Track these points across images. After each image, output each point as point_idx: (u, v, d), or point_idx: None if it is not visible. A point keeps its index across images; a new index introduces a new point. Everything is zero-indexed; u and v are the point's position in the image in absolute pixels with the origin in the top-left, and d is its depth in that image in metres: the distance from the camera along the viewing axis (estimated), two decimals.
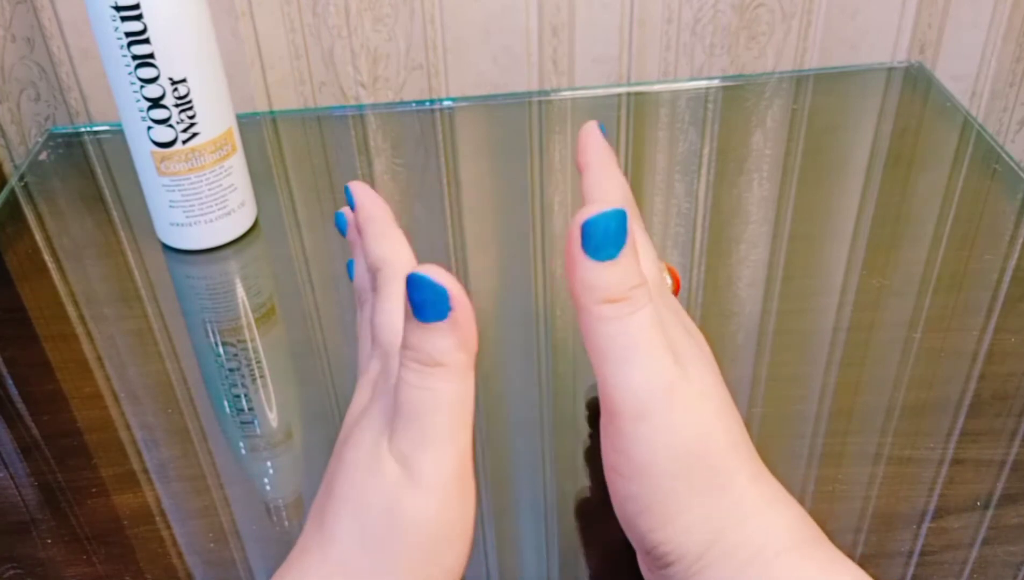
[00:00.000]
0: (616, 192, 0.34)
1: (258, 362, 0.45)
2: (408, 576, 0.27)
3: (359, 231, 0.36)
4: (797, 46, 0.68)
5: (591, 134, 0.36)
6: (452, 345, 0.27)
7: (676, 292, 0.34)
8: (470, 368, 0.28)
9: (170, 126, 0.47)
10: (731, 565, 0.26)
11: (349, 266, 0.38)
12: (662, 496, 0.27)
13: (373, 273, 0.34)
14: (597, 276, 0.27)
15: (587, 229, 0.27)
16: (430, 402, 0.27)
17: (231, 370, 0.44)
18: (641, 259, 0.29)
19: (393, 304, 0.32)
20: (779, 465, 0.37)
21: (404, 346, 0.27)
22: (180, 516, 0.37)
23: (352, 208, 0.37)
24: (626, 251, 0.27)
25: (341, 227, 0.39)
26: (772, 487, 0.28)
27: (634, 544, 0.29)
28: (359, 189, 0.36)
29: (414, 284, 0.26)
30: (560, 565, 0.34)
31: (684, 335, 0.30)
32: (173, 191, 0.49)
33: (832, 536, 0.34)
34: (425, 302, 0.26)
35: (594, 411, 0.40)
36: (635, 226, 0.32)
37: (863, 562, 0.34)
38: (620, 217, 0.27)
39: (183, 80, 0.46)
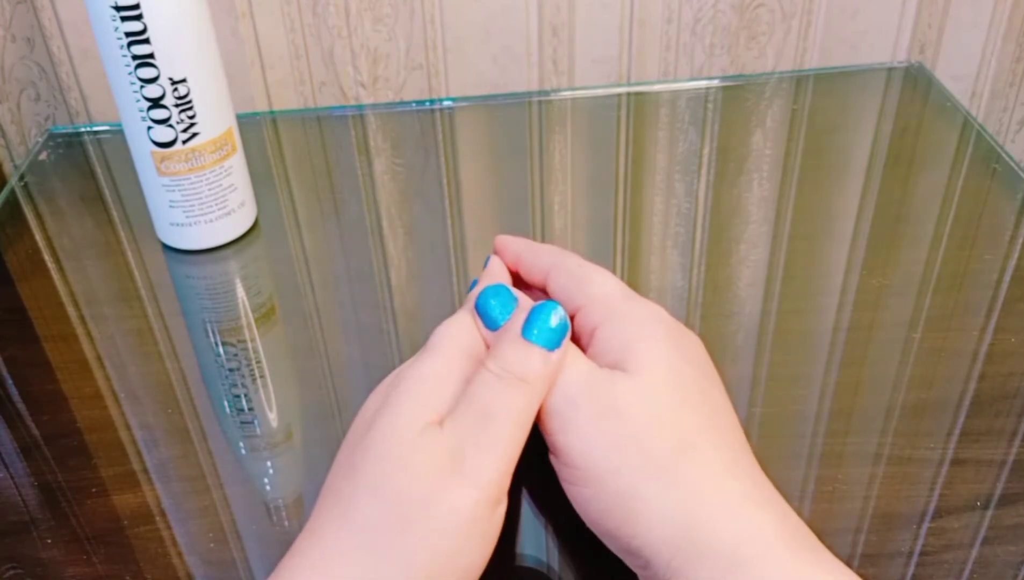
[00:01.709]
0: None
1: (258, 362, 0.45)
2: (424, 566, 0.26)
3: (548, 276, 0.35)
4: (797, 46, 0.68)
5: (509, 244, 0.37)
6: (545, 373, 0.29)
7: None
8: (541, 400, 0.29)
9: (170, 126, 0.47)
10: (708, 565, 0.26)
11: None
12: (612, 491, 0.28)
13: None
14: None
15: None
16: (505, 409, 0.28)
17: (231, 370, 0.44)
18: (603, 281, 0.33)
19: (463, 318, 0.32)
20: (779, 465, 0.38)
21: (497, 355, 0.29)
22: (180, 516, 0.37)
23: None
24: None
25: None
26: (753, 485, 0.28)
27: (614, 550, 0.29)
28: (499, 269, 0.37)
29: (550, 311, 0.29)
30: (560, 566, 0.34)
31: (646, 332, 0.31)
32: (173, 191, 0.49)
33: (832, 536, 0.34)
34: (549, 330, 0.29)
35: None
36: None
37: (863, 562, 0.34)
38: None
39: (183, 80, 0.46)
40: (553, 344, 0.29)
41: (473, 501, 0.27)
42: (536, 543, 0.35)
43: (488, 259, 0.37)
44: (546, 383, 0.29)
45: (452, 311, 0.34)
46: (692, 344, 0.33)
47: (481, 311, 0.32)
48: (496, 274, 0.36)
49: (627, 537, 0.28)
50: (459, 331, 0.32)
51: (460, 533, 0.27)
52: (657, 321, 0.32)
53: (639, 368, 0.30)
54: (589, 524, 0.29)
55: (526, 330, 0.29)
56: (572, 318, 0.33)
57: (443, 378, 0.30)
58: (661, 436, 0.28)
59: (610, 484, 0.28)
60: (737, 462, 0.29)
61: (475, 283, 0.37)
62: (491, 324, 0.31)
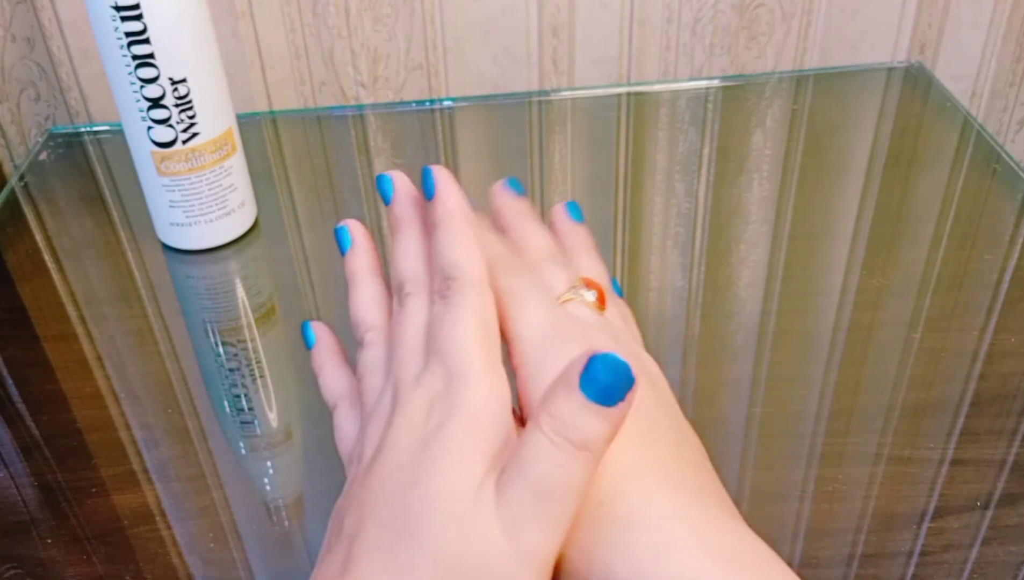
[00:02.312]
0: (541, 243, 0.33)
1: (258, 362, 0.45)
2: None
3: (434, 224, 0.32)
4: (797, 46, 0.68)
5: (501, 192, 0.35)
6: (608, 435, 0.25)
7: (603, 305, 0.32)
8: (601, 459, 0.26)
9: (170, 126, 0.47)
10: None
11: (341, 233, 0.35)
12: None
13: (443, 277, 0.31)
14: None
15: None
16: (566, 484, 0.25)
17: (231, 370, 0.44)
18: (551, 276, 0.30)
19: (468, 324, 0.29)
20: (779, 465, 0.38)
21: (552, 414, 0.25)
22: (180, 516, 0.37)
23: (428, 193, 0.33)
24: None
25: (385, 191, 0.35)
26: (678, 507, 0.26)
27: None
28: (443, 175, 0.33)
29: (608, 365, 0.25)
30: None
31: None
32: (173, 191, 0.49)
33: (832, 536, 0.34)
34: (610, 386, 0.25)
35: None
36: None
37: (863, 562, 0.34)
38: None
39: (183, 80, 0.46)
40: (616, 399, 0.25)
41: (531, 576, 0.25)
42: None
43: (430, 177, 0.33)
44: (608, 444, 0.26)
45: None
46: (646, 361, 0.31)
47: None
48: (457, 213, 0.32)
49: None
50: (478, 336, 0.29)
51: None
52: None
53: (530, 424, 0.27)
54: None
55: (585, 386, 0.25)
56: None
57: (493, 413, 0.27)
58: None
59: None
60: (659, 500, 0.27)
61: (383, 180, 0.35)
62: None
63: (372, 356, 0.32)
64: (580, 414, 0.25)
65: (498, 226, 0.34)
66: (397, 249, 0.34)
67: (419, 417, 0.28)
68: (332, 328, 0.36)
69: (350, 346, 0.34)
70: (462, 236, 0.31)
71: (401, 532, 0.25)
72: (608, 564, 0.25)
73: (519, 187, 0.36)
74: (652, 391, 0.30)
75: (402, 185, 0.34)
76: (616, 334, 0.32)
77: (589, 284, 0.32)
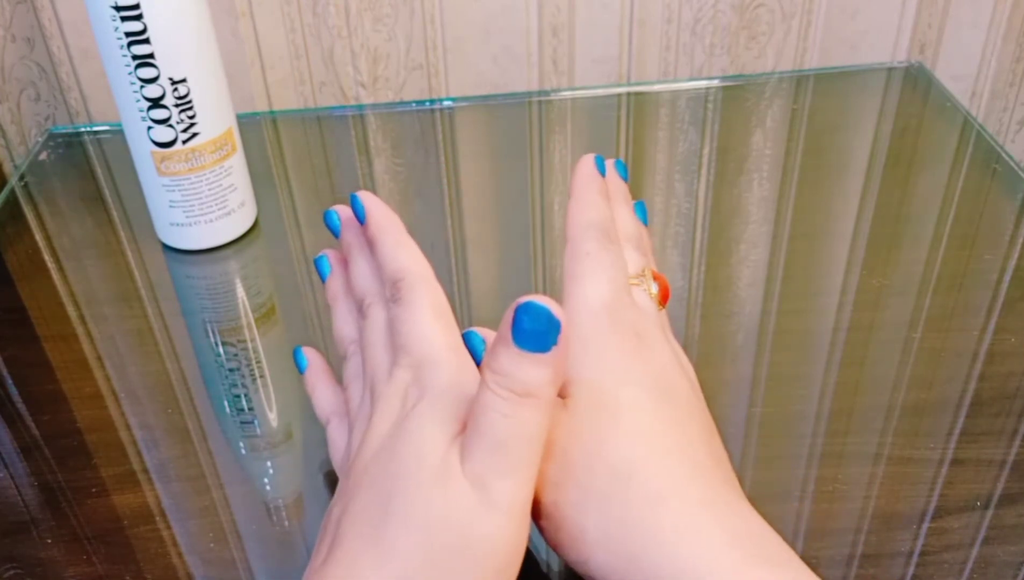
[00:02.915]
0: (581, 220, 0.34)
1: (258, 362, 0.45)
2: None
3: (371, 242, 0.36)
4: (797, 46, 0.68)
5: (584, 165, 0.36)
6: (548, 378, 0.27)
7: (664, 300, 0.34)
8: (554, 400, 0.28)
9: (170, 126, 0.47)
10: None
11: (320, 262, 0.38)
12: (560, 524, 0.28)
13: (392, 282, 0.33)
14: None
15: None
16: (517, 432, 0.27)
17: (231, 370, 0.44)
18: (627, 259, 0.30)
19: (423, 313, 0.32)
20: (779, 465, 0.38)
21: (493, 370, 0.27)
22: (180, 516, 0.37)
23: (360, 218, 0.36)
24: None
25: (333, 226, 0.38)
26: (703, 504, 0.27)
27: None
28: (368, 199, 0.36)
29: (529, 312, 0.26)
30: (559, 567, 0.34)
31: (618, 365, 0.30)
32: (173, 191, 0.49)
33: (832, 536, 0.34)
34: (536, 331, 0.26)
35: None
36: (600, 248, 0.32)
37: (863, 562, 0.34)
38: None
39: (183, 80, 0.46)
40: (547, 346, 0.26)
41: (509, 531, 0.27)
42: (535, 545, 0.35)
43: (357, 203, 0.36)
44: (554, 387, 0.27)
45: (452, 311, 0.34)
46: (645, 360, 0.32)
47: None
48: (388, 225, 0.35)
49: (579, 562, 0.28)
50: (437, 324, 0.31)
51: (501, 563, 0.27)
52: (604, 343, 0.31)
53: (568, 397, 0.29)
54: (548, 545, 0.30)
55: (522, 340, 0.26)
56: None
57: (461, 387, 0.29)
58: (593, 470, 0.28)
59: (554, 516, 0.28)
60: (686, 484, 0.28)
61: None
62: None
63: (353, 365, 0.35)
64: (517, 364, 0.26)
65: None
66: (351, 272, 0.37)
67: (395, 406, 0.30)
68: (323, 353, 0.38)
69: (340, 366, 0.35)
70: (399, 243, 0.35)
71: (380, 507, 0.27)
72: (632, 539, 0.27)
73: (624, 171, 0.39)
74: (690, 387, 0.31)
75: (346, 216, 0.38)
76: (666, 329, 0.33)
77: (657, 277, 0.34)
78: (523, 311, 0.26)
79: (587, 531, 0.28)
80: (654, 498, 0.27)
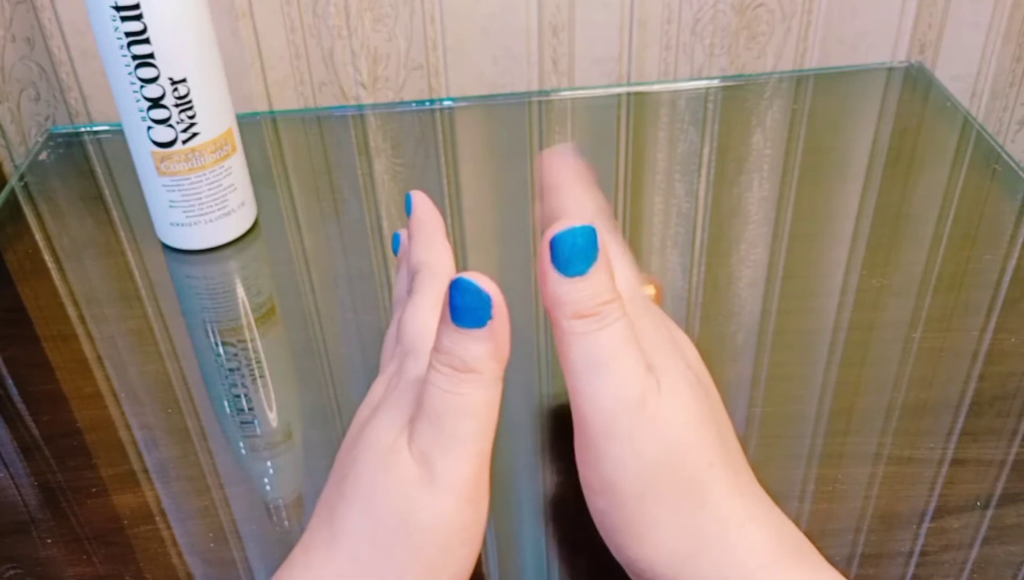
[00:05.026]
0: (586, 206, 0.34)
1: (258, 362, 0.45)
2: (417, 576, 0.27)
3: (409, 235, 0.37)
4: (797, 46, 0.68)
5: (556, 156, 0.36)
6: (487, 353, 0.27)
7: (659, 300, 0.34)
8: (500, 377, 0.28)
9: (170, 126, 0.47)
10: None
11: (395, 237, 0.40)
12: (630, 514, 0.28)
13: (412, 275, 0.35)
14: (566, 291, 0.27)
15: (555, 245, 0.27)
16: (457, 407, 0.27)
17: (231, 370, 0.44)
18: (616, 271, 0.29)
19: (425, 305, 0.33)
20: (779, 465, 0.38)
21: (436, 349, 0.27)
22: (180, 516, 0.37)
23: (407, 213, 0.37)
24: (596, 266, 0.27)
25: (396, 248, 0.40)
26: (754, 500, 0.28)
27: (616, 558, 0.29)
28: (417, 197, 0.37)
29: (459, 288, 0.26)
30: (559, 566, 0.34)
31: (666, 347, 0.30)
32: (173, 191, 0.49)
33: (832, 536, 0.34)
34: (467, 307, 0.26)
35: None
36: (609, 238, 0.32)
37: (863, 562, 0.34)
38: (589, 233, 0.27)
39: (183, 80, 0.46)
40: (482, 321, 0.27)
41: (451, 508, 0.27)
42: (536, 544, 0.35)
43: (409, 200, 0.37)
44: (495, 362, 0.27)
45: None
46: (688, 346, 0.32)
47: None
48: (425, 222, 0.36)
49: (633, 558, 0.28)
50: (433, 315, 0.31)
51: (445, 542, 0.27)
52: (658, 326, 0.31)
53: (663, 383, 0.28)
54: (600, 530, 0.29)
55: (455, 316, 0.27)
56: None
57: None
58: (688, 461, 0.28)
59: (630, 506, 0.28)
60: (738, 476, 0.28)
61: (396, 238, 0.40)
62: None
63: (395, 321, 0.36)
64: (456, 341, 0.27)
65: (546, 181, 0.37)
66: (408, 257, 0.38)
67: (379, 394, 0.31)
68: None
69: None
70: (427, 239, 0.36)
71: (336, 489, 0.28)
72: (672, 528, 0.27)
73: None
74: (702, 388, 0.31)
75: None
76: (669, 325, 0.34)
77: (650, 281, 0.35)
78: (454, 288, 0.26)
79: (660, 526, 0.27)
80: (726, 489, 0.27)
